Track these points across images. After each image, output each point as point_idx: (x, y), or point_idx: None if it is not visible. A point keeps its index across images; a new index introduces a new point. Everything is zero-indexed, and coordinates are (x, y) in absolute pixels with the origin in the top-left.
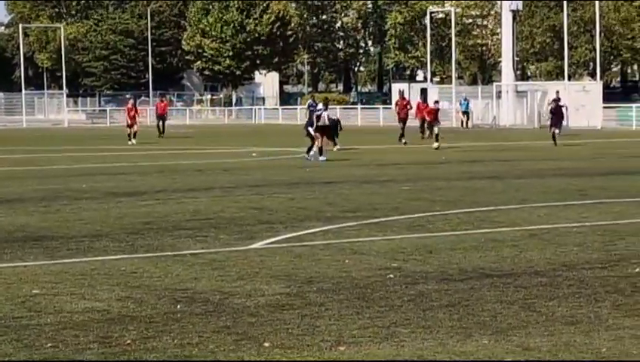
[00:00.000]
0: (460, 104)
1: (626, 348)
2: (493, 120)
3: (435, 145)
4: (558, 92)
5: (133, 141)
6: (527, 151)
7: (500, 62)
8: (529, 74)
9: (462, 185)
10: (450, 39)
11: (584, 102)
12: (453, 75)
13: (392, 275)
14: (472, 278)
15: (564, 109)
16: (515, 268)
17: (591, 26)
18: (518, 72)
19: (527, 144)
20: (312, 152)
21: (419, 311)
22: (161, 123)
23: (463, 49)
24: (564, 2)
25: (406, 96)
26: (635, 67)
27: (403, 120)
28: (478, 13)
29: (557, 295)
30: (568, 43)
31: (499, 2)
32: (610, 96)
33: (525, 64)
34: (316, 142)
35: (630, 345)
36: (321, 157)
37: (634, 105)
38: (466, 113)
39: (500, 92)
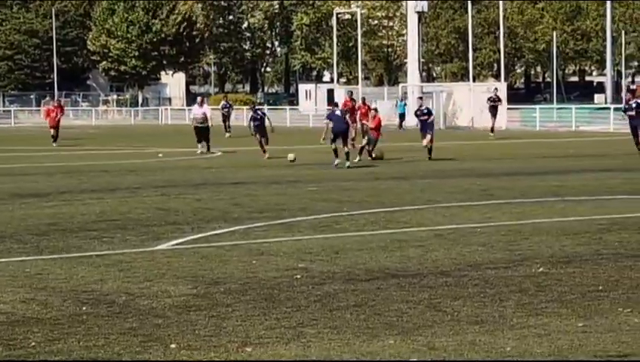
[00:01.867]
0: (397, 105)
1: (530, 347)
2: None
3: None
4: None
5: (55, 142)
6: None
7: (406, 63)
8: (434, 75)
9: (368, 186)
10: (356, 40)
11: None
12: (360, 75)
13: (298, 276)
14: (379, 278)
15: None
16: (420, 268)
17: (495, 28)
18: (424, 73)
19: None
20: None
21: (325, 311)
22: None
23: (369, 50)
24: (469, 4)
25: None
26: (539, 68)
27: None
28: (383, 14)
29: (462, 294)
30: (473, 45)
31: (404, 4)
32: (514, 97)
33: (431, 65)
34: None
35: (534, 344)
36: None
37: (537, 106)
38: (402, 115)
39: (405, 93)
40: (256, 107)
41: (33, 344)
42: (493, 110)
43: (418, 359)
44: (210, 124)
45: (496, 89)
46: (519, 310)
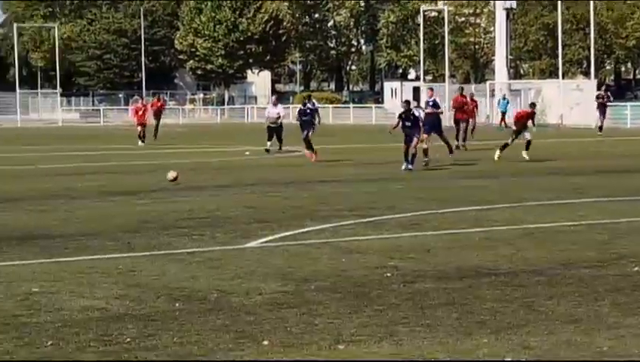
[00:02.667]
0: (499, 104)
1: (628, 347)
2: (487, 118)
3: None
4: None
5: (143, 142)
6: (520, 149)
7: (493, 60)
8: (522, 72)
9: (456, 184)
10: (442, 37)
11: (579, 100)
12: (447, 73)
13: (389, 274)
14: (470, 277)
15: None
16: (512, 267)
17: (584, 25)
18: (512, 71)
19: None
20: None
21: (417, 309)
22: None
23: (455, 47)
24: (559, 1)
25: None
26: (629, 65)
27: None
28: (471, 11)
29: (556, 293)
30: (562, 41)
31: (492, 1)
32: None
33: (518, 62)
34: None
35: (632, 345)
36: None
37: (629, 103)
38: (504, 113)
39: (493, 90)
40: (306, 101)
41: (128, 340)
42: (602, 108)
43: (513, 358)
44: (281, 123)
45: (607, 85)
46: (615, 309)
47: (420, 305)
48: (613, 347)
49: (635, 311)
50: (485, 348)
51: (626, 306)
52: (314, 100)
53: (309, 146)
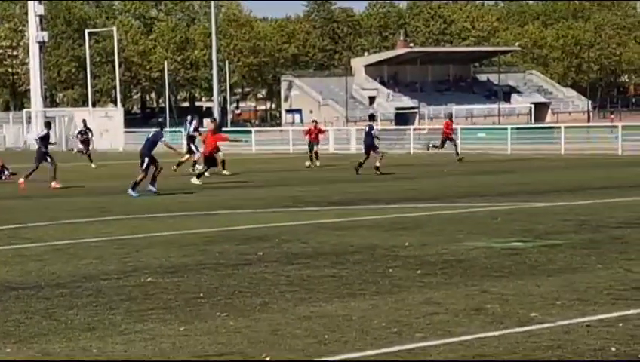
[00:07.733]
0: (185, 128)
1: (137, 350)
2: (24, 143)
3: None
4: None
5: None
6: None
7: (30, 89)
8: (58, 100)
9: None
10: None
11: (107, 127)
12: None
13: None
14: None
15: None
16: (39, 281)
17: (113, 57)
18: (48, 99)
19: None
20: None
21: None
22: None
23: None
24: (86, 35)
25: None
26: (154, 95)
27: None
28: (8, 44)
29: (76, 304)
30: (92, 73)
31: (27, 34)
32: (132, 121)
33: (54, 91)
34: None
35: (140, 347)
36: None
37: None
38: (193, 137)
39: (30, 117)
40: None
41: None
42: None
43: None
44: None
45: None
46: (128, 317)
47: None
48: (123, 350)
49: (145, 317)
50: (8, 357)
51: (138, 313)
52: None
53: None
